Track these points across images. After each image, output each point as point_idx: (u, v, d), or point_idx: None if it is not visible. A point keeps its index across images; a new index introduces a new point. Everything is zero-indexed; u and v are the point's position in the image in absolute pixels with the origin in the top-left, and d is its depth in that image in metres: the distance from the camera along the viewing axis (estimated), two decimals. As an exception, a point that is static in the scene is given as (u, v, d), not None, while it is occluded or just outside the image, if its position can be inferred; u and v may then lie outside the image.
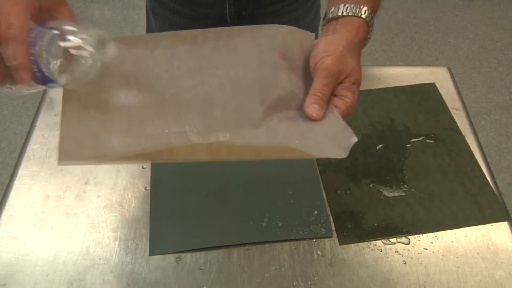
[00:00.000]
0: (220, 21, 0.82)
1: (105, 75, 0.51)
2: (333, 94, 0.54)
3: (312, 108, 0.51)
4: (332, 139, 0.50)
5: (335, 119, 0.51)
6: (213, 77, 0.53)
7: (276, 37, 0.56)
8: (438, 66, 0.90)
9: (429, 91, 0.83)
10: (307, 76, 0.55)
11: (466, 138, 0.76)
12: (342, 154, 0.49)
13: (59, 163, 0.44)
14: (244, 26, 0.57)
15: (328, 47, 0.53)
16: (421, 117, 0.79)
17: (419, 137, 0.76)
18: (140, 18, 2.30)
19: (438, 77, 0.86)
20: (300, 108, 0.53)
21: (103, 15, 2.32)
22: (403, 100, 0.82)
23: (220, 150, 0.47)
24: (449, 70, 0.88)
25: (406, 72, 0.87)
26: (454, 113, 0.80)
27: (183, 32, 0.55)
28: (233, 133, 0.49)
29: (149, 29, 0.95)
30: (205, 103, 0.52)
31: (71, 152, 0.45)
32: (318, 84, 0.52)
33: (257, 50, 0.55)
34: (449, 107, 0.81)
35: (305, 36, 0.58)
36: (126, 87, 0.51)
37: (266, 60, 0.55)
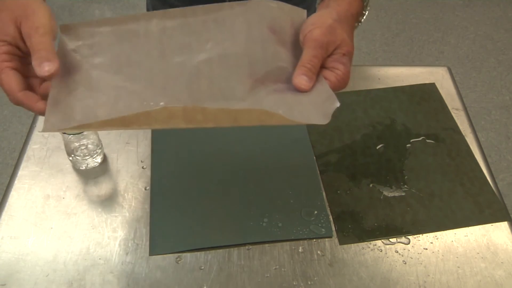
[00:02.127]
0: None
1: (97, 54, 0.52)
2: (323, 67, 0.52)
3: (300, 79, 0.50)
4: (317, 107, 0.49)
5: (322, 89, 0.51)
6: (201, 52, 0.54)
7: (265, 12, 0.57)
8: (438, 66, 0.90)
9: (429, 91, 0.83)
10: (297, 50, 0.55)
11: (466, 138, 0.76)
12: (323, 120, 0.48)
13: (43, 131, 0.45)
14: (234, 2, 0.57)
15: (317, 20, 0.53)
16: (421, 117, 0.79)
17: (419, 137, 0.76)
18: (140, 18, 2.30)
19: (438, 77, 0.86)
20: (289, 81, 0.52)
21: (103, 15, 2.31)
22: (403, 100, 0.82)
23: (196, 114, 0.47)
24: (449, 70, 0.88)
25: (406, 72, 0.87)
26: (454, 113, 0.80)
27: (172, 10, 0.56)
28: (217, 104, 0.49)
29: None
30: (192, 76, 0.52)
31: (56, 123, 0.45)
32: (307, 56, 0.51)
33: (245, 24, 0.56)
34: (449, 107, 0.81)
35: (296, 12, 0.57)
36: (117, 64, 0.52)
37: (255, 35, 0.55)
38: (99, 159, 0.70)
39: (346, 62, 0.52)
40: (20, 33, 0.48)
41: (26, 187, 0.68)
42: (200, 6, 0.56)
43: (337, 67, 0.52)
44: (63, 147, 0.70)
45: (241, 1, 0.57)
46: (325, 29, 0.51)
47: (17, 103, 0.46)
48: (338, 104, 0.48)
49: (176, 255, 0.61)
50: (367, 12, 0.59)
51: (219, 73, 0.52)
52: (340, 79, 0.51)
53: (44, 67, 0.45)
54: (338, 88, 0.52)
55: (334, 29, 0.52)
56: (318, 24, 0.52)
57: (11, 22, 0.47)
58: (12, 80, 0.45)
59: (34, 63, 0.46)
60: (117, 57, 0.53)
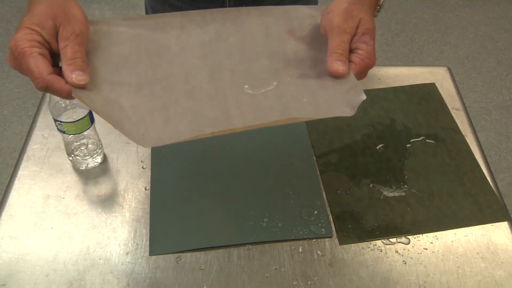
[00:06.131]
0: None
1: (115, 45, 0.53)
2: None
3: (336, 65, 0.50)
4: (342, 96, 0.50)
5: (347, 76, 0.51)
6: (221, 48, 0.56)
7: (282, 15, 0.59)
8: (438, 66, 0.90)
9: (429, 91, 0.83)
10: (318, 43, 0.56)
11: (466, 138, 0.76)
12: (349, 112, 0.48)
13: (74, 94, 0.47)
14: (251, 7, 0.59)
15: (333, 7, 0.53)
16: (421, 117, 0.79)
17: (419, 137, 0.76)
18: (140, 18, 2.29)
19: (438, 77, 0.86)
20: (311, 67, 0.53)
21: (103, 15, 2.32)
22: (403, 100, 0.82)
23: (224, 132, 0.49)
24: (449, 70, 0.88)
25: (406, 72, 0.87)
26: (454, 113, 0.80)
27: (192, 12, 0.58)
28: (241, 91, 0.51)
29: None
30: (214, 69, 0.54)
31: (83, 96, 0.47)
32: (334, 42, 0.51)
33: (263, 26, 0.58)
34: (449, 107, 0.81)
35: (313, 9, 0.59)
36: (136, 54, 0.54)
37: (273, 35, 0.57)
38: (99, 159, 0.70)
39: (367, 40, 0.52)
40: (56, 32, 0.48)
41: (26, 187, 0.68)
42: (219, 9, 0.58)
43: (359, 47, 0.52)
44: (63, 147, 0.70)
45: (258, 7, 0.59)
46: (341, 14, 0.52)
47: (45, 86, 0.46)
48: (364, 97, 0.49)
49: (176, 255, 0.61)
50: None
51: (240, 65, 0.54)
52: (364, 58, 0.52)
53: (79, 76, 0.47)
54: (365, 68, 0.52)
55: (350, 11, 0.52)
56: (335, 11, 0.53)
57: (51, 19, 0.48)
58: (42, 63, 0.46)
59: (68, 68, 0.47)
60: (137, 52, 0.54)
